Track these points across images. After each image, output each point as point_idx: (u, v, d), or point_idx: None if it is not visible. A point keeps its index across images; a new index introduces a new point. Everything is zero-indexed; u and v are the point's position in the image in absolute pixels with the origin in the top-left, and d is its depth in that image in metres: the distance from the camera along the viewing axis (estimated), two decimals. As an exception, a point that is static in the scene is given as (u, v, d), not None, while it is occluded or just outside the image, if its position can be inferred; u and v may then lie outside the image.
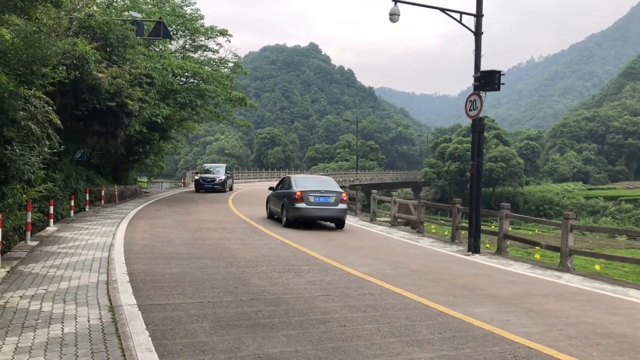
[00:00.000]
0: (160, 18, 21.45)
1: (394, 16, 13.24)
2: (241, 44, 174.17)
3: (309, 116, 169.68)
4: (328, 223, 18.08)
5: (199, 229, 15.58)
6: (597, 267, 16.69)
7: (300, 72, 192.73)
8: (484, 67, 13.28)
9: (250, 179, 66.31)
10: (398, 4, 13.60)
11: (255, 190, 41.49)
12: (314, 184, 17.90)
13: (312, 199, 16.70)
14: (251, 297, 7.58)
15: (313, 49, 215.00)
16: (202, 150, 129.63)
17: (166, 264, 10.02)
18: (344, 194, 17.38)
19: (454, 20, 13.59)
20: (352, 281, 9.07)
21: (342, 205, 17.22)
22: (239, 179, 63.08)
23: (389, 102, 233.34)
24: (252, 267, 10.04)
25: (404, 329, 6.29)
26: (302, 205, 16.61)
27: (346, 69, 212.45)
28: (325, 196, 16.91)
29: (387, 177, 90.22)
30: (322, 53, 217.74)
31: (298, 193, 16.68)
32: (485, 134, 75.76)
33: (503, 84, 12.88)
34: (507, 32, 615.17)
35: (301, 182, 18.05)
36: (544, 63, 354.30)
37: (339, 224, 17.50)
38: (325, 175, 19.98)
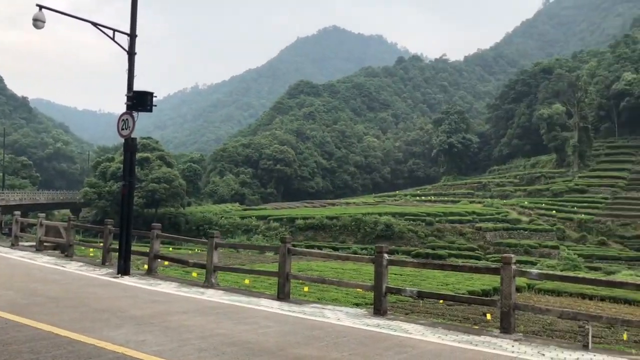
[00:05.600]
0: None
1: (37, 22, 12.18)
2: None
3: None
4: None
5: None
6: (247, 281, 18.11)
7: None
8: (151, 87, 13.34)
9: None
10: (45, 10, 12.61)
11: None
12: None
13: None
14: None
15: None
16: None
17: None
18: None
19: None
20: (-29, 316, 7.84)
21: None
22: None
23: (47, 115, 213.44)
24: None
25: (24, 364, 5.69)
26: None
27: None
28: None
29: (42, 198, 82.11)
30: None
31: None
32: (150, 155, 75.82)
33: (155, 105, 13.07)
34: (174, 56, 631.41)
35: None
36: (207, 90, 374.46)
37: None
38: None
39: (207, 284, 12.15)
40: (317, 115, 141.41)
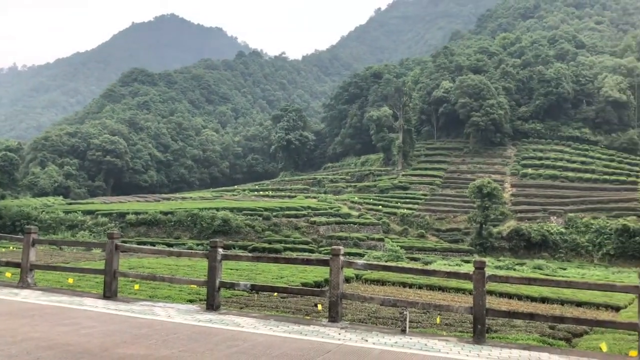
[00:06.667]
0: None
1: None
2: None
3: None
4: None
5: None
6: (71, 280, 16.81)
7: None
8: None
9: None
10: None
11: None
12: None
13: None
14: None
15: None
16: None
17: None
18: None
19: None
20: None
21: None
22: None
23: None
24: None
25: None
26: None
27: None
28: None
29: None
30: None
31: None
32: (-45, 141, 67.12)
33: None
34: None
35: None
36: (28, 72, 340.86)
37: None
38: None
39: (23, 284, 11.09)
40: (152, 105, 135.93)
